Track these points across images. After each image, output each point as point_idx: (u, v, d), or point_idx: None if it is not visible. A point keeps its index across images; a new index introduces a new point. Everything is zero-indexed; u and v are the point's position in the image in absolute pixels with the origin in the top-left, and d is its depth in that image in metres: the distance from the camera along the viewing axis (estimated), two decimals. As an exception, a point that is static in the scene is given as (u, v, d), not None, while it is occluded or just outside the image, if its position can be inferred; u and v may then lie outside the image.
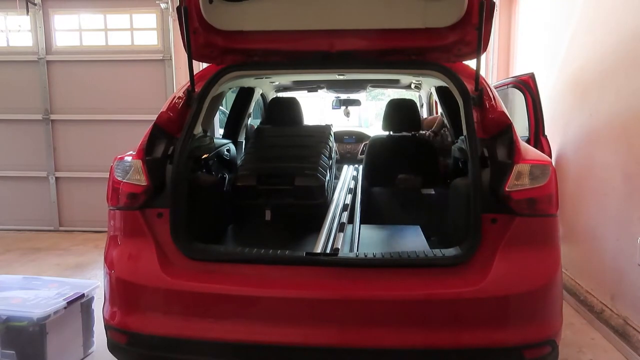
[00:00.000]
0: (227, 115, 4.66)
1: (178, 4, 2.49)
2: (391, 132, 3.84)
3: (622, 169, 3.27)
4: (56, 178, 6.36)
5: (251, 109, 4.59)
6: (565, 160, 3.98)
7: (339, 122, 8.11)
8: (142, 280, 2.25)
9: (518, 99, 3.97)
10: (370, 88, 5.32)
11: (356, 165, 4.61)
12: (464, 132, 2.42)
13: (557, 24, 4.43)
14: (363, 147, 5.56)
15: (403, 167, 3.56)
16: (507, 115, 2.39)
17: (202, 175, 3.06)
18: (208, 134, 3.10)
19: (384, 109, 3.99)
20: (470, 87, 2.51)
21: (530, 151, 2.33)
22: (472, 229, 2.18)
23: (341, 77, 4.10)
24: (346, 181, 3.66)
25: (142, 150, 2.38)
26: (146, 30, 6.20)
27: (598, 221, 3.60)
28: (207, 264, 2.29)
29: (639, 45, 3.10)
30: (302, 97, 5.38)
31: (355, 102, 5.66)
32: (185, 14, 2.47)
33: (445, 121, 3.94)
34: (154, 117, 2.52)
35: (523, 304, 2.14)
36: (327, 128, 3.69)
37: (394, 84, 5.02)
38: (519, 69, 5.50)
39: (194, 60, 2.60)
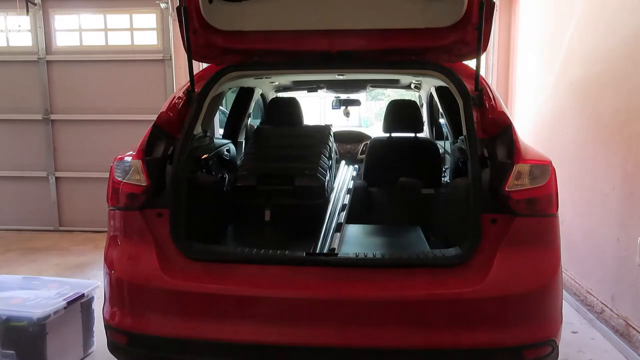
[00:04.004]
0: (227, 115, 4.67)
1: (178, 4, 2.49)
2: (392, 134, 3.83)
3: (622, 169, 3.27)
4: (56, 178, 6.35)
5: (251, 109, 4.59)
6: (566, 160, 3.98)
7: (339, 122, 8.10)
8: (142, 280, 2.25)
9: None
10: (370, 88, 5.31)
11: (356, 166, 4.60)
12: (464, 132, 2.42)
13: (557, 24, 4.42)
14: (363, 147, 5.55)
15: (404, 169, 3.55)
16: (507, 115, 2.39)
17: (202, 175, 3.06)
18: (208, 134, 3.10)
19: (384, 109, 3.98)
20: (470, 87, 2.51)
21: (530, 151, 2.33)
22: (472, 229, 2.18)
23: (341, 77, 4.09)
24: (345, 181, 3.66)
25: (142, 151, 2.38)
26: (146, 30, 6.19)
27: (598, 221, 3.59)
28: (207, 264, 2.29)
29: None
30: (302, 97, 5.38)
31: (355, 102, 5.66)
32: (185, 14, 2.47)
33: (445, 121, 3.93)
34: (154, 117, 2.52)
35: (523, 304, 2.14)
36: (327, 128, 3.69)
37: (394, 84, 5.01)
38: (519, 69, 5.50)
39: (194, 60, 2.60)
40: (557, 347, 2.17)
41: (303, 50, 2.68)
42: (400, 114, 3.79)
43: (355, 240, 2.83)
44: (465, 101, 2.44)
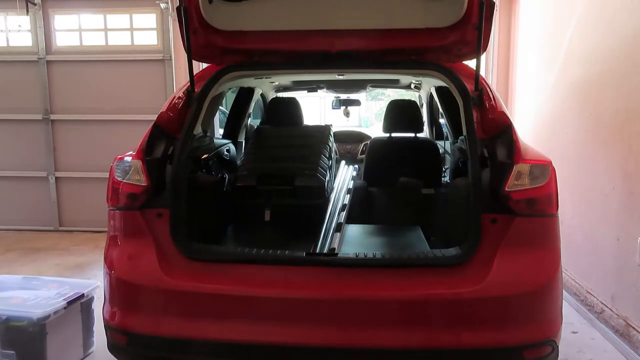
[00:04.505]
0: (227, 115, 4.67)
1: (178, 4, 2.49)
2: (392, 134, 3.83)
3: (622, 169, 3.27)
4: (56, 178, 6.35)
5: (251, 109, 4.59)
6: (566, 160, 3.98)
7: (339, 122, 8.11)
8: (141, 280, 2.25)
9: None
10: (370, 88, 5.31)
11: (356, 166, 4.60)
12: (464, 132, 2.42)
13: (557, 24, 4.42)
14: (363, 147, 5.55)
15: (404, 169, 3.55)
16: (507, 115, 2.39)
17: (202, 175, 3.06)
18: (208, 134, 3.10)
19: (384, 109, 3.97)
20: (470, 87, 2.51)
21: (530, 151, 2.33)
22: (472, 229, 2.18)
23: (341, 77, 4.09)
24: (345, 181, 3.66)
25: (142, 151, 2.38)
26: (146, 30, 6.19)
27: (598, 221, 3.59)
28: (206, 264, 2.29)
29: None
30: (302, 97, 5.39)
31: (355, 102, 5.66)
32: (185, 14, 2.47)
33: (445, 121, 3.93)
34: (154, 117, 2.52)
35: (523, 304, 2.14)
36: (327, 128, 3.69)
37: (394, 84, 5.02)
38: (519, 69, 5.50)
39: (194, 60, 2.60)
40: (557, 347, 2.17)
41: (303, 50, 2.68)
42: (400, 114, 3.79)
43: (355, 240, 2.83)
44: (465, 101, 2.44)
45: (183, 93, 2.66)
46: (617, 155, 3.33)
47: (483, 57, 2.69)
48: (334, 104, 5.63)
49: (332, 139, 3.66)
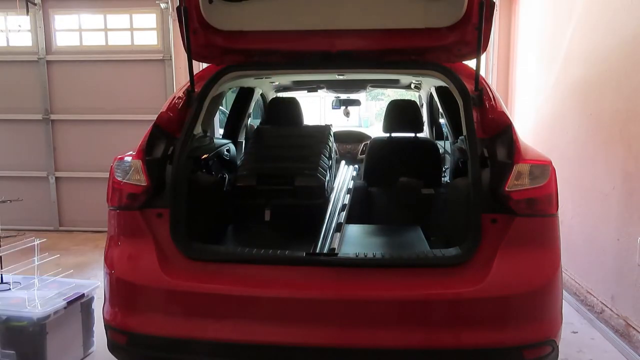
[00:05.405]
0: (227, 115, 4.67)
1: (178, 4, 2.49)
2: (392, 134, 3.83)
3: (622, 169, 3.27)
4: (56, 178, 6.35)
5: (251, 109, 4.59)
6: (566, 160, 3.98)
7: (339, 122, 8.11)
8: (142, 280, 2.25)
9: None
10: (370, 88, 5.31)
11: (356, 166, 4.60)
12: (464, 132, 2.42)
13: (557, 24, 4.42)
14: (363, 147, 5.55)
15: (404, 169, 3.55)
16: (507, 115, 2.40)
17: (202, 175, 3.06)
18: (208, 134, 3.10)
19: (384, 109, 3.97)
20: (470, 87, 2.51)
21: (530, 151, 2.33)
22: (472, 229, 2.18)
23: (341, 77, 4.10)
24: (345, 181, 3.66)
25: (142, 151, 2.38)
26: (146, 30, 6.19)
27: (598, 221, 3.59)
28: (206, 264, 2.29)
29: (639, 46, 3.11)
30: (302, 97, 5.39)
31: (355, 102, 5.66)
32: (185, 14, 2.48)
33: (445, 121, 3.93)
34: (154, 117, 2.52)
35: (523, 304, 2.14)
36: (327, 128, 3.69)
37: (394, 84, 5.02)
38: (519, 69, 5.50)
39: (194, 60, 2.61)
40: (557, 347, 2.17)
41: (303, 50, 2.68)
42: (400, 114, 3.79)
43: (355, 240, 2.83)
44: (465, 101, 2.44)
45: (183, 93, 2.66)
46: (617, 155, 3.33)
47: (483, 57, 2.69)
48: (334, 104, 5.63)
49: (332, 139, 3.66)
